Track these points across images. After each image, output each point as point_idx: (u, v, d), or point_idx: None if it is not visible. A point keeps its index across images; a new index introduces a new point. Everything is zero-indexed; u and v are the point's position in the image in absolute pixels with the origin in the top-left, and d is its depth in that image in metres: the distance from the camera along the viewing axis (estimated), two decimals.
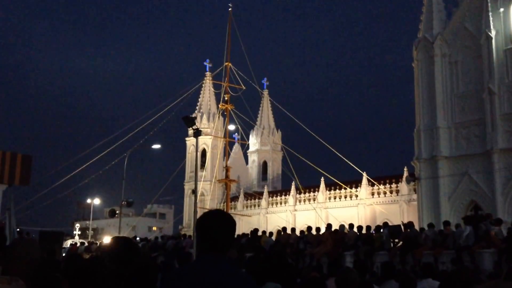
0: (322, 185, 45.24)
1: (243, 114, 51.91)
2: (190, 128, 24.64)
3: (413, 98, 35.74)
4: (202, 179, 49.10)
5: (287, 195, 47.89)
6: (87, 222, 67.54)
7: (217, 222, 3.36)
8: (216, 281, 3.15)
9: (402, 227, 23.47)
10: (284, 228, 27.91)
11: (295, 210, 46.66)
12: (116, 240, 4.80)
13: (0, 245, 3.16)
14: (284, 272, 5.33)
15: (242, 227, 43.52)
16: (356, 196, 42.83)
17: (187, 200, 53.31)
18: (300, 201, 46.80)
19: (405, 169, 39.71)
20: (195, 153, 31.80)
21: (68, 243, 41.61)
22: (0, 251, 3.14)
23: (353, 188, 43.24)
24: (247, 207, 50.74)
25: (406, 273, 8.65)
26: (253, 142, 59.45)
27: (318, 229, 26.47)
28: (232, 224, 3.42)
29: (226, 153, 51.82)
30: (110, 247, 4.73)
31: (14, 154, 16.81)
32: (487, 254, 19.99)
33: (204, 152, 53.18)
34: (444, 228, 22.14)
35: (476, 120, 32.55)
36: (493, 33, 32.32)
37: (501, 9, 32.48)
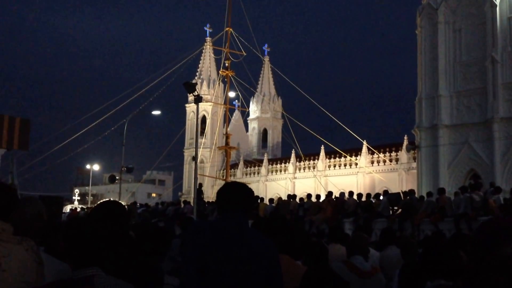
0: (322, 153, 45.30)
1: (243, 80, 51.62)
2: (191, 94, 24.48)
3: (416, 65, 35.48)
4: (202, 146, 49.05)
5: (287, 163, 47.97)
6: (87, 187, 67.75)
7: (241, 188, 3.86)
8: (242, 237, 3.57)
9: (402, 195, 23.59)
10: (289, 196, 27.96)
11: (295, 178, 46.82)
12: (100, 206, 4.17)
13: (13, 207, 3.20)
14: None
15: None
16: (356, 164, 42.94)
17: (187, 167, 53.36)
18: (300, 169, 46.92)
19: (406, 137, 39.74)
20: (195, 120, 31.73)
21: (67, 208, 41.80)
22: (13, 213, 3.21)
23: (353, 156, 43.32)
24: (246, 174, 50.86)
25: (407, 239, 8.68)
26: (254, 109, 59.23)
27: (318, 196, 26.62)
28: (252, 192, 3.94)
29: (226, 120, 51.72)
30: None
31: (12, 118, 16.63)
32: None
33: (204, 119, 53.03)
34: (439, 195, 22.23)
35: (478, 88, 32.37)
36: (497, 0, 31.89)
37: None
